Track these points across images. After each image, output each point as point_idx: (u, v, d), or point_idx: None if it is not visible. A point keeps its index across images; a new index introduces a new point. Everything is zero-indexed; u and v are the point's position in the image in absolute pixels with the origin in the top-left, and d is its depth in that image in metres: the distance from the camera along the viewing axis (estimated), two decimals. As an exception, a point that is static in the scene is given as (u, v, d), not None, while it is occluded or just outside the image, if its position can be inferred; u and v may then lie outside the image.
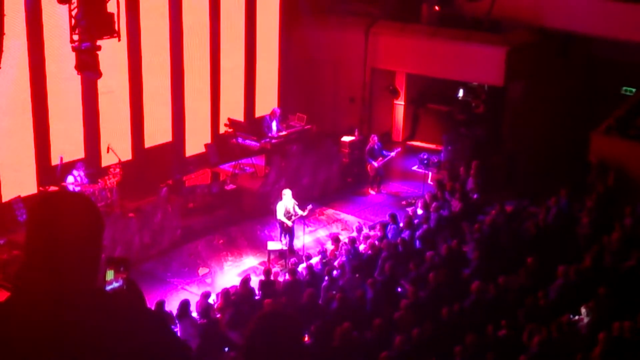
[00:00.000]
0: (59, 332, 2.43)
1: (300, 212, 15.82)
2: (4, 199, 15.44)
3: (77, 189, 15.18)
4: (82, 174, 15.65)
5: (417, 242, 15.22)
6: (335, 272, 13.97)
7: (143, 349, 2.50)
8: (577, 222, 15.30)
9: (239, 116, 20.25)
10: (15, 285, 2.58)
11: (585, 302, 11.91)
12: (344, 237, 15.83)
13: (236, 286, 13.71)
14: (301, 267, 14.41)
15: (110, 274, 3.01)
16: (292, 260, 15.15)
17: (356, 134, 20.48)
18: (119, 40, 14.51)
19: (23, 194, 15.23)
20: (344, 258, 14.53)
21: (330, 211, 18.53)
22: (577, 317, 11.88)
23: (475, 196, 17.31)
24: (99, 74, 14.14)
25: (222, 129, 19.57)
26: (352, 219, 18.03)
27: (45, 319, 2.45)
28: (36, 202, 2.71)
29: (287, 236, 16.01)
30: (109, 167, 16.25)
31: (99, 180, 15.84)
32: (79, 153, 16.75)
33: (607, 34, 19.50)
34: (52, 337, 2.42)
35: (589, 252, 13.53)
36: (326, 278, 13.70)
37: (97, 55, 13.76)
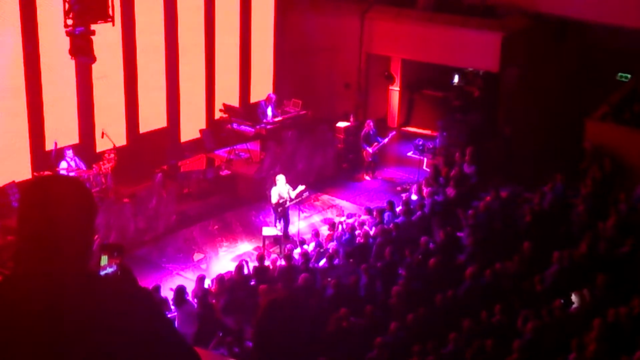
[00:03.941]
0: (52, 314, 2.42)
1: (292, 194, 15.83)
2: (-2, 185, 15.41)
3: (72, 174, 15.14)
4: (75, 158, 15.60)
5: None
6: (335, 260, 13.97)
7: (136, 332, 2.49)
8: (572, 208, 15.30)
9: (234, 102, 20.19)
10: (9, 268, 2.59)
11: (579, 288, 11.93)
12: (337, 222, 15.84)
13: (231, 272, 13.72)
14: (296, 253, 14.42)
15: (104, 260, 3.01)
16: (287, 246, 15.17)
17: (351, 119, 20.45)
18: (113, 24, 14.44)
19: (17, 180, 15.19)
20: (337, 244, 14.54)
21: (325, 197, 18.53)
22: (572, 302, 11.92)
23: (473, 180, 17.30)
24: (93, 59, 14.08)
25: (217, 115, 19.52)
26: (347, 205, 18.03)
27: (37, 301, 2.44)
28: (28, 185, 2.70)
29: (282, 222, 16.02)
30: (103, 152, 16.21)
31: (94, 165, 15.80)
32: (74, 138, 16.69)
33: (603, 20, 19.47)
34: (44, 319, 2.42)
35: (584, 238, 13.54)
36: (325, 262, 13.71)
37: (91, 39, 13.70)
